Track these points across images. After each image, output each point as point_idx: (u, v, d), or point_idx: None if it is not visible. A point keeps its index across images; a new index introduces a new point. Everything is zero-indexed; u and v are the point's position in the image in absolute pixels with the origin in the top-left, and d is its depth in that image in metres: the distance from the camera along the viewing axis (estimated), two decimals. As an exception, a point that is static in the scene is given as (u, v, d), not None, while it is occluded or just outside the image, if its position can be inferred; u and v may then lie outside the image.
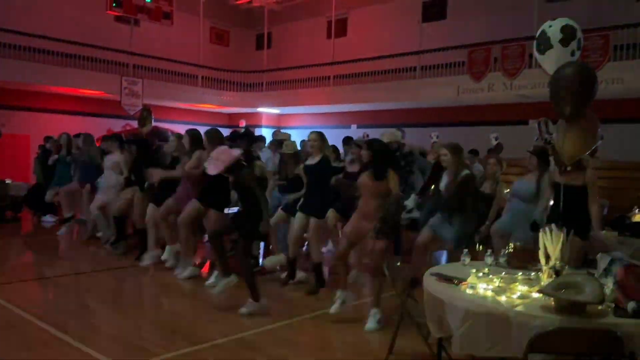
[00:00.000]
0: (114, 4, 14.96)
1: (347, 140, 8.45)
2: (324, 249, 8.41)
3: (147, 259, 7.04)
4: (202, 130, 6.51)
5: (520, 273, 3.32)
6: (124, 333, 4.59)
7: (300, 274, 6.41)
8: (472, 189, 5.08)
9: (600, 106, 4.69)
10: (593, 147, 4.52)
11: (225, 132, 8.48)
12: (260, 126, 19.61)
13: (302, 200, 6.23)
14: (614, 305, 2.65)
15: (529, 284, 3.03)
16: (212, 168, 5.07)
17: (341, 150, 8.28)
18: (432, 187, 5.38)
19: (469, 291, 2.92)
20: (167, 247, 6.78)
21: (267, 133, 13.88)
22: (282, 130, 10.67)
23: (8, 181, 11.47)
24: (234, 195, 6.07)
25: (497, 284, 3.02)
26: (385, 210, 4.59)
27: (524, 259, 3.61)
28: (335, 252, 5.99)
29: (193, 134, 6.52)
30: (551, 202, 4.42)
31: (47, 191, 9.79)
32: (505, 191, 6.09)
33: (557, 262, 2.98)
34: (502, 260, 3.65)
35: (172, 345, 4.30)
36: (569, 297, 2.58)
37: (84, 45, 15.10)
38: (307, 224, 6.13)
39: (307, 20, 19.51)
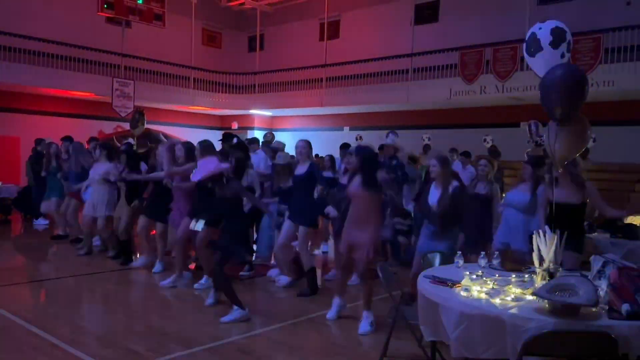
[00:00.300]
0: (105, 6, 14.83)
1: (343, 146, 8.44)
2: (316, 252, 8.41)
3: (138, 263, 6.98)
4: (194, 132, 6.46)
5: (513, 275, 3.32)
6: (115, 337, 4.56)
7: (273, 272, 6.68)
8: (464, 199, 5.06)
9: (592, 108, 4.72)
10: (584, 149, 4.54)
11: (217, 134, 8.41)
12: (252, 128, 19.56)
13: (290, 208, 6.21)
14: (607, 307, 2.65)
15: (523, 286, 3.02)
16: (197, 174, 5.20)
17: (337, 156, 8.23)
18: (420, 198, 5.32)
19: (463, 293, 2.92)
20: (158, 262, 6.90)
21: (259, 135, 13.83)
22: (274, 132, 10.58)
23: (-2, 183, 11.40)
24: None
25: (491, 286, 3.02)
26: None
27: (518, 261, 3.61)
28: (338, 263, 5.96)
29: (188, 147, 6.40)
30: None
31: (39, 199, 9.67)
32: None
33: (551, 265, 2.98)
34: (495, 262, 3.65)
35: (163, 348, 4.27)
36: (563, 299, 2.58)
37: (74, 46, 14.98)
38: (295, 232, 6.13)
39: (299, 22, 19.47)
